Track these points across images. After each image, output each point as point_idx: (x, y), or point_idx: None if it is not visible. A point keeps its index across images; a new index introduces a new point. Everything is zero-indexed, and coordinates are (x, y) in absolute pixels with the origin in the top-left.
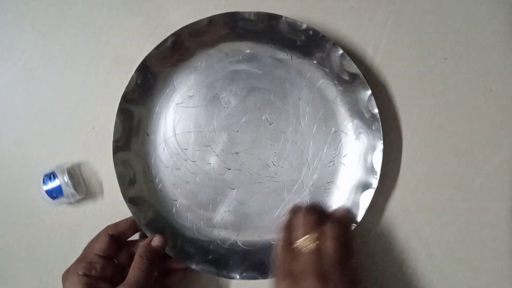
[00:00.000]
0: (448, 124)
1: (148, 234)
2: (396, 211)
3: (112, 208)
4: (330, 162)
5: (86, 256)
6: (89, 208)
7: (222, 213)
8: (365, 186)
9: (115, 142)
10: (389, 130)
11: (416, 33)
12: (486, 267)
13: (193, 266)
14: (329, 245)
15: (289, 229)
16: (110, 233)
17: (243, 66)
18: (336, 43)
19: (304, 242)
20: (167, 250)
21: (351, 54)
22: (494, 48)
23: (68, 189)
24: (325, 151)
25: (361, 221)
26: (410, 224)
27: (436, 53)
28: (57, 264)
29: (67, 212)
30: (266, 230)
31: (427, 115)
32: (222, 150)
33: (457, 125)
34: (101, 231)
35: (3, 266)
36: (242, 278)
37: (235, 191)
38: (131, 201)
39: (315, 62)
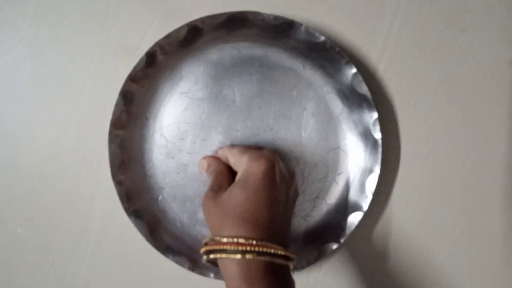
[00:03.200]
0: (449, 156)
1: (132, 219)
2: (383, 234)
3: None
4: (324, 177)
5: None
6: (100, 188)
7: None
8: (354, 208)
9: (113, 121)
10: (388, 156)
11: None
12: None
13: (169, 258)
14: None
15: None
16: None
17: (254, 67)
18: (350, 59)
19: None
20: (148, 240)
21: (361, 65)
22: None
23: None
24: (320, 166)
25: (343, 242)
26: (396, 249)
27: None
28: (68, 245)
29: (77, 193)
30: None
31: (429, 146)
32: (219, 147)
33: (459, 152)
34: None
35: (14, 248)
36: (218, 278)
37: None
38: (119, 182)
39: (326, 75)
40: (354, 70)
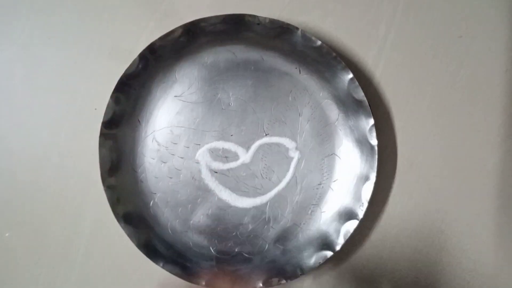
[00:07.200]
0: (445, 163)
1: (122, 224)
2: (378, 242)
3: None
4: (319, 184)
5: None
6: (90, 192)
7: (199, 216)
8: (349, 216)
9: (104, 123)
10: (384, 162)
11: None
12: None
13: (160, 265)
14: None
15: None
16: None
17: (249, 71)
18: (346, 65)
19: None
20: (138, 246)
21: (358, 71)
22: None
23: None
24: (315, 172)
25: (338, 250)
26: (392, 257)
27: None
28: (57, 250)
29: (68, 197)
30: (240, 241)
31: (426, 153)
32: (212, 152)
33: (458, 162)
34: None
35: (2, 253)
36: (208, 285)
37: (217, 196)
38: (110, 187)
39: (322, 80)
40: (350, 75)
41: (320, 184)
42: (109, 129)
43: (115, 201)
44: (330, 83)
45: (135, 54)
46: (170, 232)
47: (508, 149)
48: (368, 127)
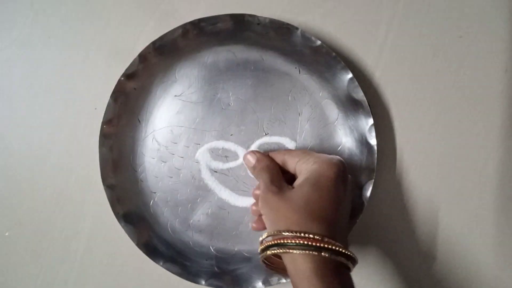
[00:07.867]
0: (445, 163)
1: (123, 224)
2: (378, 242)
3: None
4: None
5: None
6: (90, 191)
7: (199, 215)
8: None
9: (104, 123)
10: (383, 162)
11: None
12: None
13: (160, 264)
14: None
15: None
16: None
17: (249, 71)
18: (346, 64)
19: None
20: (138, 245)
21: (358, 71)
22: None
23: None
24: None
25: None
26: (392, 256)
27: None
28: (57, 250)
29: (68, 196)
30: (240, 240)
31: (426, 153)
32: (212, 151)
33: (456, 160)
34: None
35: (2, 252)
36: (208, 285)
37: (217, 195)
38: (110, 186)
39: (322, 80)
40: (350, 75)
41: None
42: (109, 129)
43: (115, 201)
44: (330, 83)
45: (135, 54)
46: (170, 231)
47: (508, 149)
48: (367, 127)
